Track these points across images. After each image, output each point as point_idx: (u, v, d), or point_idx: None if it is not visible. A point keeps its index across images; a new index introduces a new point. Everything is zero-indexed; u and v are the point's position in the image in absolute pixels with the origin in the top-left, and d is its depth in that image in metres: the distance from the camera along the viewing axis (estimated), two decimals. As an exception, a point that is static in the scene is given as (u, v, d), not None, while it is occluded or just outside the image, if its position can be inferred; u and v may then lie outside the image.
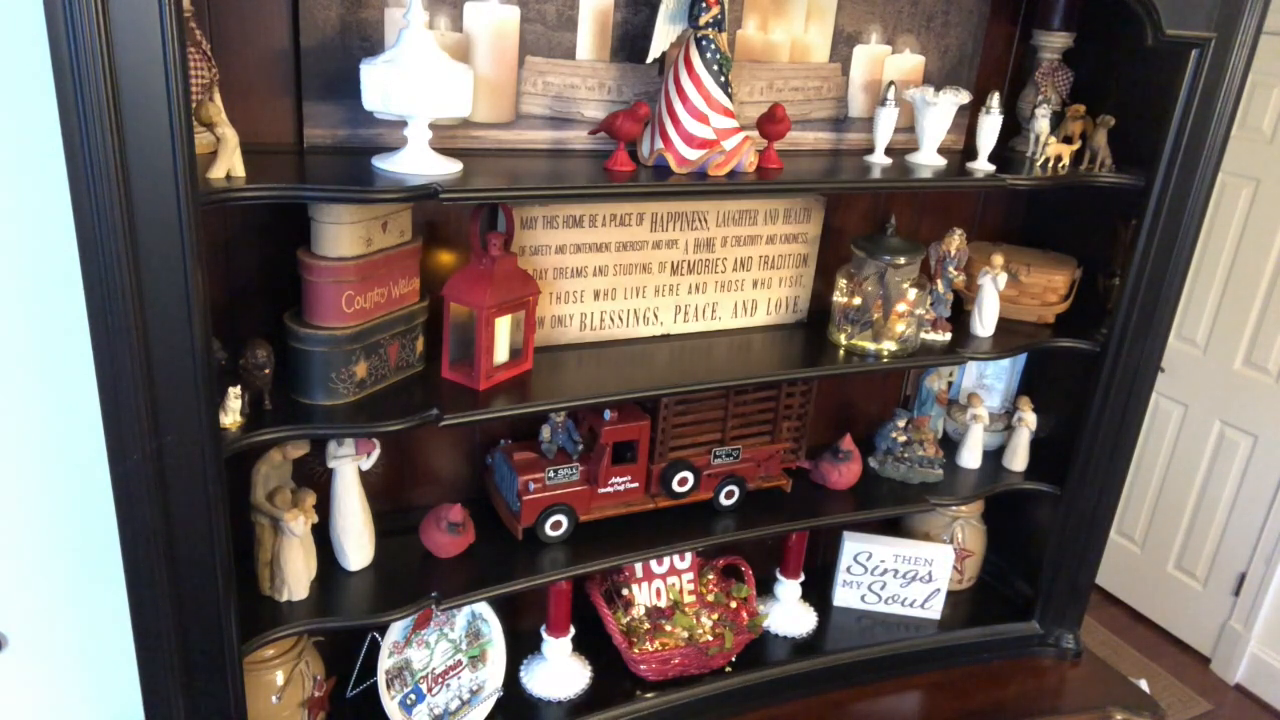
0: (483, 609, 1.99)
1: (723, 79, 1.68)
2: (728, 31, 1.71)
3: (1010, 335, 2.14)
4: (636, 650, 2.10)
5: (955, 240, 2.04)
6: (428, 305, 1.73)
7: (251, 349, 1.50)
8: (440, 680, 1.95)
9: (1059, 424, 2.33)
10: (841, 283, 2.04)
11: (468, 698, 1.98)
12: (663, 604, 2.22)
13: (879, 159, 1.95)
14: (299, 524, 1.63)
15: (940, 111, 1.90)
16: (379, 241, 1.61)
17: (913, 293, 2.00)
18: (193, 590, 1.47)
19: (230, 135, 1.36)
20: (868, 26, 1.97)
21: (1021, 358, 2.35)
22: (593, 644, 2.16)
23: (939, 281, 2.06)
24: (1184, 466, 3.60)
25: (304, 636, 1.81)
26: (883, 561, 2.40)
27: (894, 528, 2.51)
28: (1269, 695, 3.43)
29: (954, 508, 2.39)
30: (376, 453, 1.76)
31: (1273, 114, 3.17)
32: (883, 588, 2.43)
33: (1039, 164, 1.99)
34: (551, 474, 1.88)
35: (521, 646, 2.13)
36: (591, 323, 1.94)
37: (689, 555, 2.24)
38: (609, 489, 1.96)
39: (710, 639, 2.15)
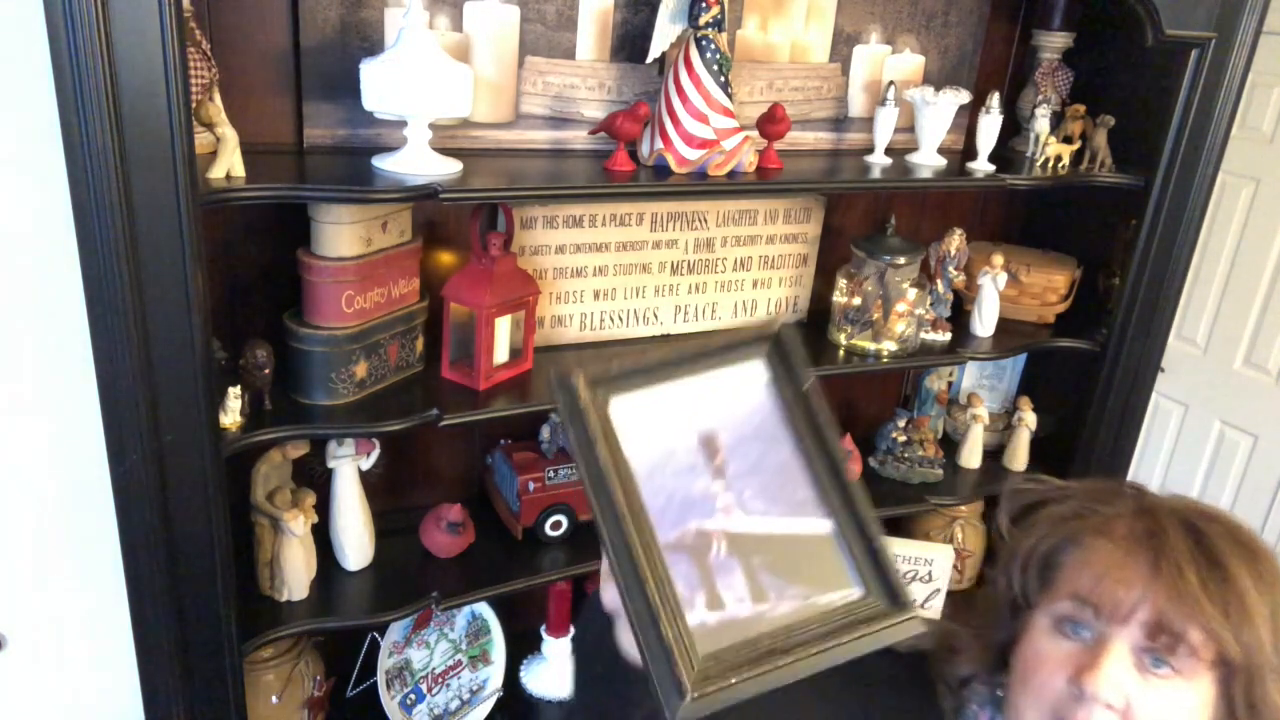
0: (483, 609, 1.99)
1: (723, 79, 1.68)
2: (728, 31, 1.71)
3: (1010, 335, 2.14)
4: (636, 650, 2.10)
5: (955, 240, 2.04)
6: (428, 305, 1.73)
7: (251, 349, 1.50)
8: (440, 680, 1.95)
9: (1059, 424, 2.33)
10: (841, 283, 2.04)
11: (468, 698, 1.98)
12: (663, 604, 2.22)
13: (879, 159, 1.95)
14: (299, 524, 1.63)
15: (940, 111, 1.90)
16: (379, 241, 1.61)
17: (913, 293, 2.00)
18: (193, 590, 1.47)
19: (230, 135, 1.36)
20: (868, 26, 1.97)
21: (1021, 358, 2.35)
22: (593, 644, 2.15)
23: (939, 281, 2.06)
24: (1184, 466, 3.60)
25: (304, 636, 1.81)
26: (883, 561, 2.40)
27: (894, 528, 2.51)
28: (1269, 695, 3.42)
29: (954, 508, 2.39)
30: (376, 453, 1.76)
31: (1273, 114, 3.17)
32: (883, 588, 2.42)
33: (1039, 164, 1.99)
34: (551, 474, 1.88)
35: (521, 646, 2.13)
36: (591, 323, 1.94)
37: (689, 555, 2.23)
38: (609, 489, 1.95)
39: (710, 639, 2.15)
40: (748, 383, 0.81)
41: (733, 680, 0.70)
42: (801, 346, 0.80)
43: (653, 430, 0.78)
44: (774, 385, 0.80)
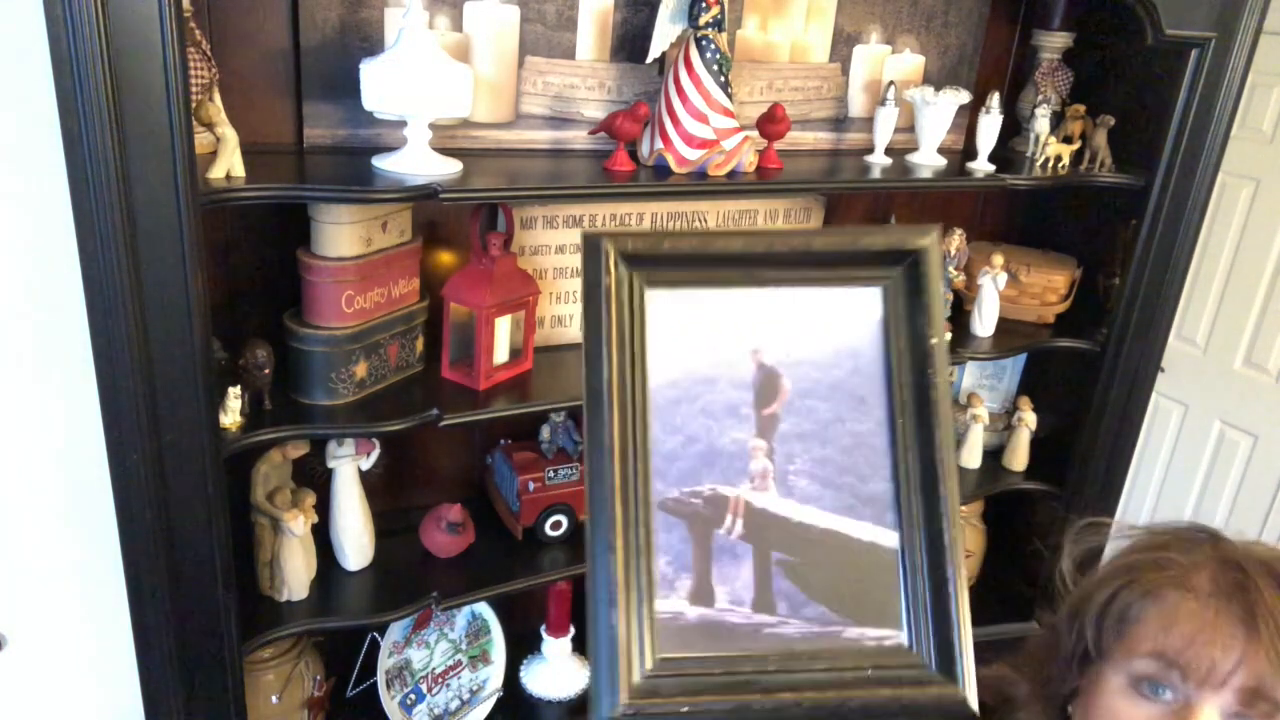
0: (483, 609, 1.99)
1: (723, 79, 1.68)
2: (728, 31, 1.71)
3: (1010, 335, 2.14)
4: (636, 650, 2.09)
5: (955, 240, 2.04)
6: (428, 305, 1.73)
7: (251, 349, 1.50)
8: (440, 680, 1.95)
9: (1059, 424, 2.33)
10: (841, 283, 2.04)
11: (468, 698, 1.98)
12: (663, 604, 2.21)
13: (879, 159, 1.95)
14: (299, 524, 1.63)
15: (940, 111, 1.90)
16: (379, 241, 1.61)
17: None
18: (193, 590, 1.47)
19: (230, 135, 1.36)
20: (868, 26, 1.97)
21: (1021, 358, 2.35)
22: (593, 644, 2.15)
23: (939, 281, 2.06)
24: (1184, 466, 3.60)
25: (304, 636, 1.81)
26: (883, 561, 2.39)
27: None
28: (1269, 695, 3.42)
29: (954, 508, 2.39)
30: (376, 453, 1.76)
31: (1273, 114, 3.17)
32: (883, 588, 2.42)
33: (1039, 164, 1.99)
34: (551, 474, 1.88)
35: (521, 646, 2.13)
36: (591, 323, 1.93)
37: (689, 555, 2.23)
38: (609, 489, 1.95)
39: (710, 639, 2.14)
40: (850, 315, 0.58)
41: (684, 708, 0.52)
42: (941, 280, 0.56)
43: (696, 345, 0.57)
44: (886, 328, 0.58)
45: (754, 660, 0.53)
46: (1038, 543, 2.39)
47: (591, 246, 0.56)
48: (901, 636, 0.55)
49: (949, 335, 2.07)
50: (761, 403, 0.57)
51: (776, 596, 0.55)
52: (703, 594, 0.55)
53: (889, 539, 0.56)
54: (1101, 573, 0.91)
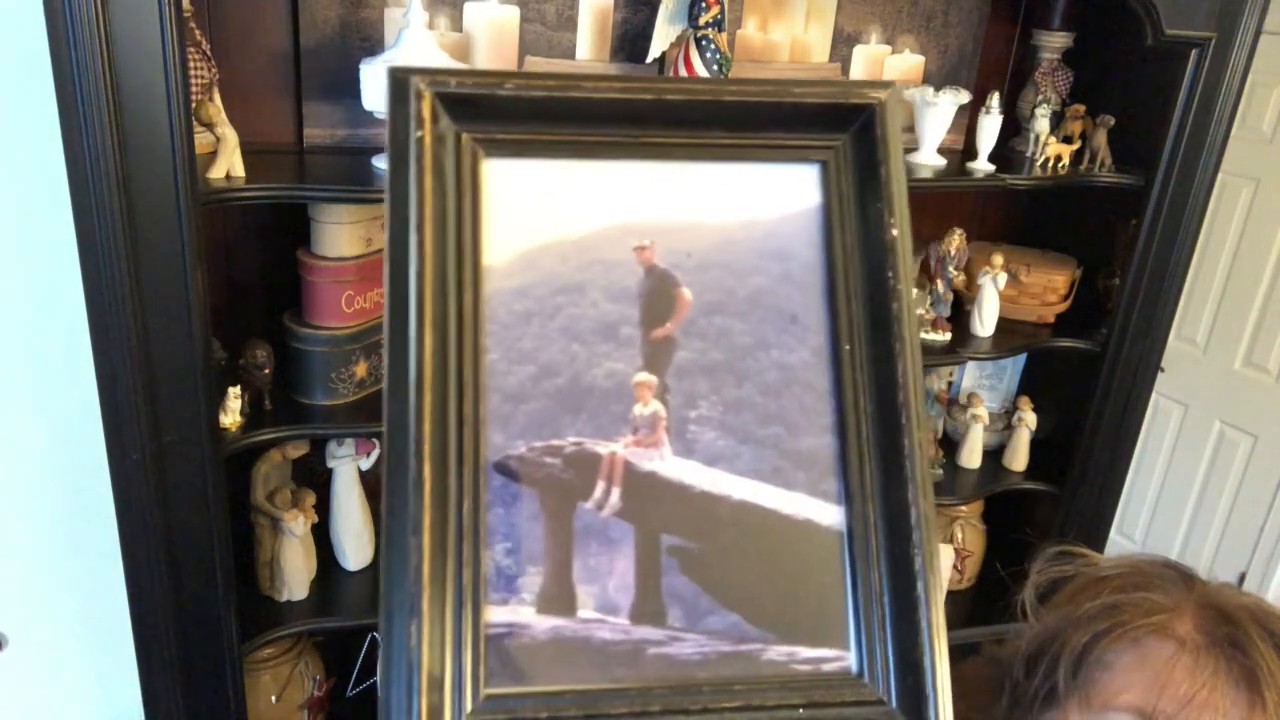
0: (483, 609, 1.99)
1: (723, 79, 1.68)
2: (728, 31, 1.71)
3: (1010, 335, 2.14)
4: (636, 650, 2.09)
5: (955, 240, 2.04)
6: (428, 305, 1.73)
7: (251, 349, 1.50)
8: (440, 680, 1.95)
9: (1059, 424, 2.33)
10: (841, 283, 2.04)
11: (468, 698, 1.98)
12: (662, 604, 2.21)
13: (879, 159, 1.95)
14: (298, 524, 1.63)
15: (940, 111, 1.90)
16: (379, 241, 1.61)
17: (913, 293, 2.00)
18: (193, 590, 1.47)
19: (230, 135, 1.36)
20: (868, 26, 1.97)
21: (1021, 358, 2.35)
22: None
23: (939, 281, 2.06)
24: (1184, 466, 3.60)
25: (304, 636, 1.81)
26: (883, 561, 2.39)
27: (894, 528, 2.50)
28: (1269, 695, 3.42)
29: (954, 508, 2.39)
30: (376, 453, 1.75)
31: (1273, 114, 3.17)
32: (883, 588, 2.42)
33: (1039, 164, 1.99)
34: (551, 474, 1.88)
35: (521, 646, 2.13)
36: (591, 323, 1.93)
37: (689, 555, 2.22)
38: (609, 489, 1.95)
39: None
40: (776, 201, 0.42)
41: None
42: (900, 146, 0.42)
43: (556, 237, 0.40)
44: (828, 217, 0.42)
45: (631, 696, 0.37)
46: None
47: (397, 87, 0.38)
48: (848, 659, 0.39)
49: (948, 335, 2.07)
50: (650, 321, 0.41)
51: (668, 601, 0.39)
52: (558, 598, 0.38)
53: (831, 516, 0.40)
54: (1080, 611, 0.82)
